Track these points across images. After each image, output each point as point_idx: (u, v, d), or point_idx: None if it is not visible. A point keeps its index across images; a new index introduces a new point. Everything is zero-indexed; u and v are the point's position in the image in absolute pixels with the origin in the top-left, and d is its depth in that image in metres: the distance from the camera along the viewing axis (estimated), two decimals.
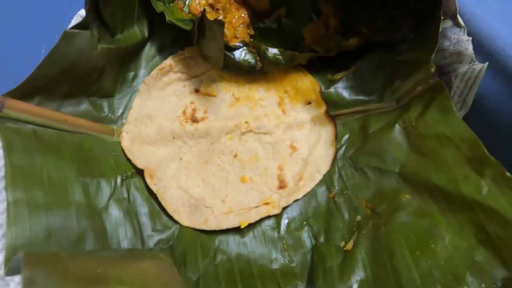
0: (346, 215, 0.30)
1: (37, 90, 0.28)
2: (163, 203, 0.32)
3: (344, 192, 0.31)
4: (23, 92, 0.28)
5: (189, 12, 0.35)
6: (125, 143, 0.33)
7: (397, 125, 0.29)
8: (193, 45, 0.35)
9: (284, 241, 0.31)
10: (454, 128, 0.25)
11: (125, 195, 0.31)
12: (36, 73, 0.26)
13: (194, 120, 0.34)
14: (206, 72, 0.36)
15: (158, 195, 0.31)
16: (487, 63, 0.32)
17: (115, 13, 0.30)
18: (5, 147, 0.26)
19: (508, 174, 0.22)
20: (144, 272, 0.21)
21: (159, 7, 0.31)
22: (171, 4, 0.34)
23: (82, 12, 0.32)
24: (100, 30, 0.29)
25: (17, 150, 0.26)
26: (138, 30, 0.34)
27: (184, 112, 0.35)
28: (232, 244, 0.31)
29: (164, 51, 0.37)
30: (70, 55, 0.27)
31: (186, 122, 0.34)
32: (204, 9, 0.29)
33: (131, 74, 0.36)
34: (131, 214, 0.30)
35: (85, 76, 0.30)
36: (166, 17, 0.31)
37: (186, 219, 0.32)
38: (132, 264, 0.21)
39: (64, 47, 0.26)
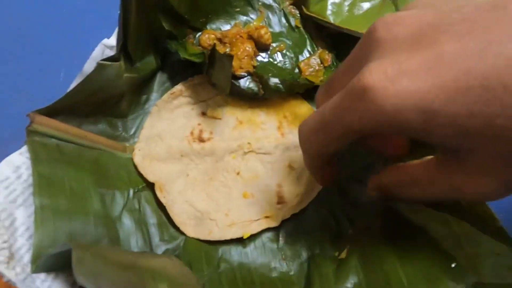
0: (340, 229, 0.33)
1: (62, 109, 0.32)
2: (171, 215, 0.34)
3: (338, 207, 0.34)
4: (50, 110, 0.31)
5: (199, 45, 0.39)
6: (137, 159, 0.36)
7: None
8: (202, 73, 0.39)
9: (282, 252, 0.33)
10: None
11: (137, 206, 0.33)
12: (67, 97, 0.30)
13: (201, 140, 0.38)
14: (212, 97, 0.39)
15: (167, 207, 0.34)
16: None
17: (138, 45, 0.34)
18: (32, 158, 0.28)
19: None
20: (164, 266, 0.23)
21: (173, 46, 0.36)
22: (183, 40, 0.38)
23: (106, 42, 0.35)
24: (125, 60, 0.33)
25: (43, 161, 0.29)
26: (154, 59, 0.38)
27: (191, 133, 0.38)
28: (235, 254, 0.33)
29: (175, 77, 0.40)
30: (99, 84, 0.31)
31: (194, 141, 0.37)
32: (215, 44, 0.34)
33: (144, 97, 0.39)
34: (141, 224, 0.33)
35: (107, 100, 0.33)
36: (181, 55, 0.35)
37: (191, 231, 0.34)
38: (153, 259, 0.23)
39: (96, 77, 0.30)
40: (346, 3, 0.39)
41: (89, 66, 0.35)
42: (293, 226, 0.34)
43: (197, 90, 0.39)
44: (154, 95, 0.40)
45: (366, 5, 0.39)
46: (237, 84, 0.37)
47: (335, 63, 0.40)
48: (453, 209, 0.27)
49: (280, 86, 0.37)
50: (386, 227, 0.30)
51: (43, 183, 0.28)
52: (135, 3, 0.31)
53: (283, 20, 0.42)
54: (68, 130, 0.32)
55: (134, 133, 0.38)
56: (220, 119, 0.39)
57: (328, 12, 0.38)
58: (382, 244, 0.29)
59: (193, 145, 0.37)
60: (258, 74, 0.37)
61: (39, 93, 0.41)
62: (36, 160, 0.28)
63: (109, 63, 0.30)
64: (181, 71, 0.40)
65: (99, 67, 0.30)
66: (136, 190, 0.34)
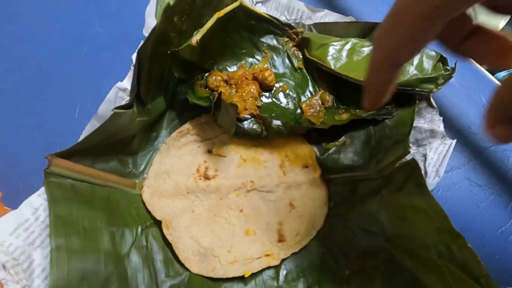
0: (337, 269, 0.34)
1: (78, 151, 0.34)
2: (176, 251, 0.36)
3: (335, 248, 0.35)
4: (67, 153, 0.33)
5: (206, 86, 0.42)
6: (146, 196, 0.38)
7: (382, 193, 0.34)
8: (208, 112, 0.41)
9: None
10: (428, 202, 0.30)
11: (144, 243, 0.35)
12: (83, 141, 0.32)
13: (206, 178, 0.40)
14: (218, 135, 0.41)
15: (172, 244, 0.36)
16: (455, 140, 0.38)
17: (149, 90, 0.36)
18: (49, 199, 0.30)
19: (469, 245, 0.27)
20: None
21: (183, 89, 0.38)
22: (192, 81, 0.41)
23: (119, 85, 0.38)
24: (137, 105, 0.35)
25: (59, 202, 0.31)
26: (164, 99, 0.40)
27: (198, 170, 0.40)
28: None
29: (183, 114, 0.43)
30: (114, 129, 0.33)
31: (200, 179, 0.39)
32: (220, 92, 0.36)
33: (154, 134, 0.41)
34: (148, 261, 0.35)
35: (120, 141, 0.36)
36: (189, 100, 0.38)
37: (195, 267, 0.36)
38: None
39: (111, 124, 0.32)
40: (346, 49, 0.41)
41: (103, 108, 0.37)
42: (292, 265, 0.36)
43: (204, 128, 0.41)
44: (163, 132, 0.42)
45: (365, 51, 0.41)
46: (242, 126, 0.39)
47: (335, 104, 0.42)
48: (441, 254, 0.28)
49: (282, 128, 0.39)
50: (381, 270, 0.31)
51: (59, 224, 0.30)
52: (149, 56, 0.34)
53: (287, 62, 0.45)
54: (82, 170, 0.34)
55: (144, 169, 0.40)
56: (225, 156, 0.41)
57: (329, 57, 0.40)
58: (378, 286, 0.31)
59: (199, 183, 0.39)
60: (261, 116, 0.39)
61: (57, 128, 0.44)
62: (52, 201, 0.30)
63: (123, 111, 0.33)
64: (189, 109, 0.42)
65: (114, 115, 0.32)
66: (144, 227, 0.36)
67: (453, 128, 0.43)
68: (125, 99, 0.39)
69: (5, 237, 0.27)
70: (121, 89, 0.38)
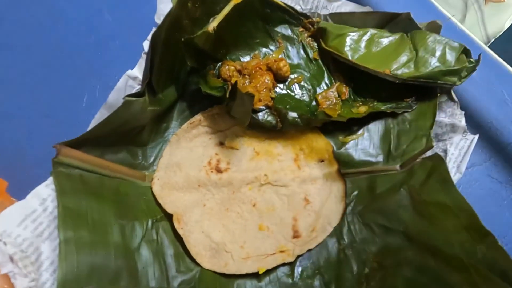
0: (355, 267, 0.33)
1: (87, 141, 0.32)
2: (187, 246, 0.35)
3: (353, 245, 0.34)
4: (76, 142, 0.32)
5: (219, 76, 0.40)
6: (156, 189, 0.37)
7: (402, 190, 0.33)
8: (221, 103, 0.40)
9: (297, 287, 0.33)
10: (454, 199, 0.28)
11: (155, 237, 0.34)
12: (92, 130, 0.31)
13: (218, 171, 0.38)
14: (230, 127, 0.40)
15: (184, 238, 0.34)
16: (477, 135, 0.37)
17: (161, 78, 0.35)
18: (58, 190, 0.29)
19: (499, 243, 0.25)
20: None
21: (195, 79, 0.37)
22: (204, 70, 0.39)
23: (130, 73, 0.36)
24: (148, 94, 0.34)
25: (67, 193, 0.30)
26: (175, 89, 0.39)
27: (209, 163, 0.39)
28: None
29: (194, 106, 0.41)
30: (125, 118, 0.32)
31: (211, 172, 0.38)
32: (236, 81, 0.34)
33: (164, 125, 0.40)
34: (159, 255, 0.33)
35: (130, 131, 0.34)
36: (202, 90, 0.36)
37: (207, 262, 0.35)
38: None
39: (122, 112, 0.31)
40: (364, 39, 0.39)
41: (113, 97, 0.36)
42: (308, 261, 0.35)
43: (216, 120, 0.40)
44: (173, 123, 0.41)
45: (384, 42, 0.39)
46: (256, 118, 0.38)
47: (352, 97, 0.41)
48: (468, 254, 0.27)
49: (298, 120, 0.38)
50: (402, 269, 0.30)
51: (68, 216, 0.28)
52: (163, 43, 0.32)
53: (302, 52, 0.43)
54: (91, 161, 0.33)
55: (153, 161, 0.39)
56: (237, 149, 0.39)
57: (346, 48, 0.39)
58: (398, 285, 0.30)
59: (211, 176, 0.38)
60: (276, 108, 0.38)
61: (64, 118, 0.43)
62: (61, 191, 0.29)
63: (135, 99, 0.31)
64: (200, 99, 0.41)
65: (126, 103, 0.31)
66: (154, 221, 0.35)
67: (473, 123, 0.41)
68: (135, 87, 0.37)
69: (12, 228, 0.26)
70: (131, 78, 0.37)
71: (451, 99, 0.39)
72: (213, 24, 0.35)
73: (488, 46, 0.87)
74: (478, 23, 0.87)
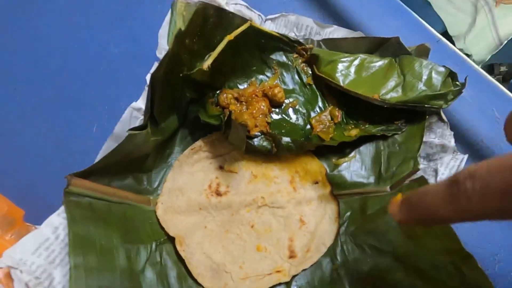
0: (347, 287, 0.34)
1: (95, 171, 0.35)
2: (189, 267, 0.37)
3: (346, 265, 0.36)
4: (85, 173, 0.34)
5: (218, 104, 0.43)
6: (160, 212, 0.39)
7: None
8: (220, 129, 0.42)
9: None
10: None
11: (158, 259, 0.36)
12: (100, 162, 0.33)
13: (218, 194, 0.41)
14: (229, 152, 0.42)
15: (186, 260, 0.37)
16: (467, 155, 0.38)
17: (163, 109, 0.38)
18: (69, 219, 0.32)
19: (480, 266, 0.27)
20: None
21: (195, 109, 0.39)
22: (203, 99, 0.42)
23: (134, 105, 0.39)
24: (151, 125, 0.36)
25: (77, 221, 0.32)
26: (176, 118, 0.41)
27: (210, 186, 0.41)
28: None
29: (195, 132, 0.44)
30: (129, 149, 0.34)
31: (212, 195, 0.40)
32: (230, 112, 0.37)
33: (167, 151, 0.43)
34: (162, 277, 0.36)
35: (134, 160, 0.37)
36: (201, 118, 0.39)
37: (208, 282, 0.37)
38: None
39: (127, 145, 0.34)
40: (354, 64, 0.41)
41: (119, 128, 0.38)
42: (303, 281, 0.36)
43: (215, 145, 0.43)
44: (176, 149, 0.43)
45: (373, 67, 0.41)
46: (252, 143, 0.40)
47: (344, 120, 0.43)
48: (451, 276, 0.28)
49: (292, 145, 0.40)
50: None
51: (77, 243, 0.31)
52: (162, 80, 0.35)
53: (296, 77, 0.45)
54: (99, 189, 0.36)
55: (158, 186, 0.41)
56: (236, 173, 0.42)
57: (338, 74, 0.41)
58: None
59: (211, 199, 0.40)
60: (271, 133, 0.40)
61: (75, 147, 0.46)
62: (71, 220, 0.32)
63: (138, 132, 0.34)
64: (201, 126, 0.44)
65: (129, 136, 0.33)
66: (158, 243, 0.37)
67: (464, 141, 0.42)
68: (140, 118, 0.40)
69: (28, 256, 0.29)
70: (136, 109, 0.40)
71: (441, 119, 0.40)
72: (207, 62, 0.38)
73: (502, 48, 0.86)
74: (489, 26, 0.86)
